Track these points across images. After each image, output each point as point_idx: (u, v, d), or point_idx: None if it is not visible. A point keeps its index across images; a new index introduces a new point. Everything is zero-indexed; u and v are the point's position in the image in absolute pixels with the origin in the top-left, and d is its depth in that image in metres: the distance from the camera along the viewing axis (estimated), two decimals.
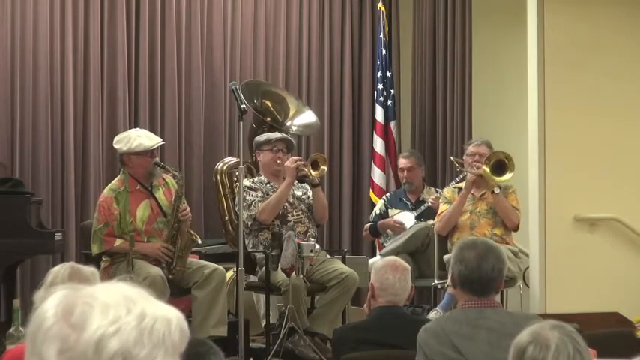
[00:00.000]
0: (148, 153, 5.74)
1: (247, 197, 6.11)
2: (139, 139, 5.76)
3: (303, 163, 6.10)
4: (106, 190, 5.84)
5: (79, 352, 1.17)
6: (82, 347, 1.17)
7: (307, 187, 6.28)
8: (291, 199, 6.18)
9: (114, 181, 5.85)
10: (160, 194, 5.82)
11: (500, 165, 6.14)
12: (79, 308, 1.19)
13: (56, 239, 6.43)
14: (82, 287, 1.24)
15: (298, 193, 6.24)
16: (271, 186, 6.20)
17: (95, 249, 5.68)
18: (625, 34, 6.51)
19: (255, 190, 6.16)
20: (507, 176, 6.12)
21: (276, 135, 6.34)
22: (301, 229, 6.09)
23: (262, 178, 6.27)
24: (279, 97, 7.24)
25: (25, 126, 7.26)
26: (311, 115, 7.26)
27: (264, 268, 5.91)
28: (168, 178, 5.94)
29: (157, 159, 5.85)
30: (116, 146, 5.80)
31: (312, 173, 6.06)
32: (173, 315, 1.25)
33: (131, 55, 7.66)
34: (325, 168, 6.15)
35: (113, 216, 5.66)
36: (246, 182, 6.18)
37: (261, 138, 6.32)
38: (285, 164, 6.09)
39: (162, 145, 6.01)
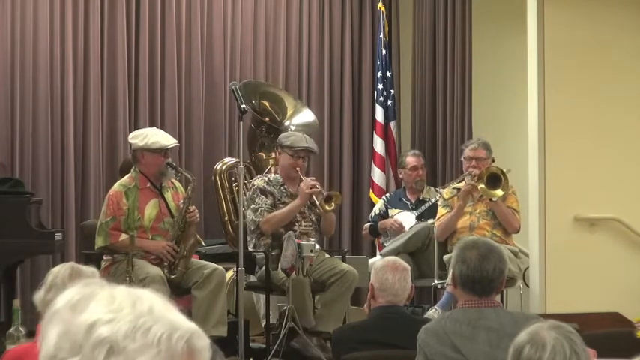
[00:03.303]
0: (162, 152, 5.77)
1: (257, 200, 6.08)
2: (156, 136, 5.80)
3: (318, 190, 6.03)
4: (116, 185, 5.87)
5: (73, 333, 1.19)
6: (75, 328, 1.19)
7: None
8: (303, 208, 6.13)
9: (124, 178, 5.87)
10: (168, 196, 5.85)
11: (495, 177, 6.15)
12: (87, 296, 1.21)
13: (56, 239, 6.44)
14: (105, 284, 1.25)
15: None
16: (285, 189, 6.14)
17: (100, 241, 5.69)
18: (626, 31, 6.51)
19: (266, 194, 6.11)
20: (499, 192, 6.12)
21: (302, 144, 6.11)
22: (303, 239, 6.01)
23: (278, 177, 6.21)
24: (276, 97, 7.24)
25: (25, 126, 7.26)
26: (309, 114, 7.26)
27: (263, 267, 5.91)
28: (177, 183, 6.00)
29: (170, 160, 5.88)
30: (132, 141, 5.83)
31: (325, 207, 6.02)
32: (185, 326, 1.21)
33: (131, 55, 7.66)
34: (338, 204, 6.18)
35: (122, 211, 5.68)
36: (261, 182, 6.16)
37: (286, 140, 6.16)
38: (301, 185, 6.00)
39: None
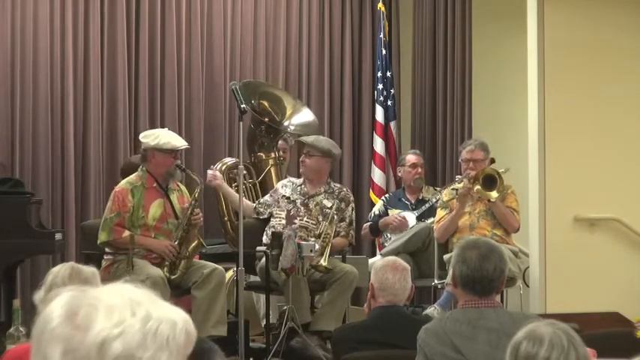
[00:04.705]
0: (173, 153, 5.80)
1: (267, 195, 6.33)
2: (168, 137, 5.85)
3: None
4: (123, 182, 5.90)
5: (82, 354, 1.17)
6: (86, 349, 1.17)
7: (344, 203, 6.25)
8: (311, 205, 6.17)
9: (132, 176, 5.90)
10: (174, 197, 5.88)
11: (491, 178, 6.16)
12: (84, 310, 1.20)
13: (56, 239, 6.44)
14: (89, 289, 1.24)
15: (327, 203, 6.22)
16: (301, 188, 6.25)
17: (103, 236, 5.71)
18: (626, 31, 6.51)
19: (275, 194, 6.28)
20: (494, 194, 6.13)
21: (303, 138, 6.40)
22: (302, 235, 6.04)
23: (301, 179, 6.36)
24: (276, 98, 7.23)
25: (25, 126, 7.26)
26: (309, 113, 7.25)
27: (262, 260, 5.93)
28: (182, 186, 6.05)
29: (179, 162, 5.91)
30: (143, 140, 5.86)
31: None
32: (179, 317, 1.24)
33: (131, 55, 7.66)
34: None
35: (127, 207, 5.71)
36: (281, 182, 6.38)
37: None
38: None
39: None
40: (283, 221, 6.10)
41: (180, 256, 5.74)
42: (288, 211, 6.16)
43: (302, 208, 6.17)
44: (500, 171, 6.35)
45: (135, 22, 7.69)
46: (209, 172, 6.52)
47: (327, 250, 5.90)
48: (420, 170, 7.07)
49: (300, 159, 6.34)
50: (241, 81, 7.28)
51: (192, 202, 5.84)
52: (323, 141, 6.37)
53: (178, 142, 5.88)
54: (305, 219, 6.13)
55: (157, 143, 5.76)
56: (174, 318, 1.23)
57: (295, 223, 6.08)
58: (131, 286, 1.26)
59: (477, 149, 6.38)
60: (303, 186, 6.26)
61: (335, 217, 6.15)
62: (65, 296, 1.23)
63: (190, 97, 7.89)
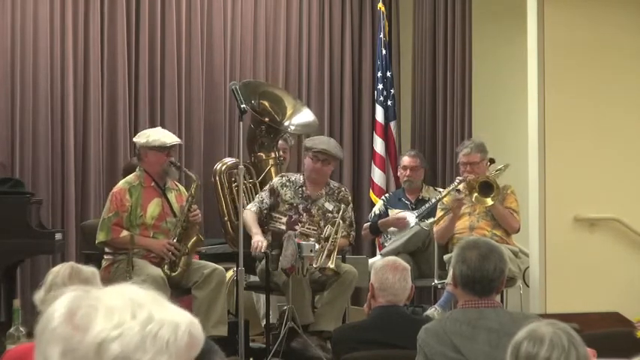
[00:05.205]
0: (165, 150, 5.82)
1: (263, 194, 6.15)
2: (158, 134, 5.88)
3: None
4: (121, 182, 5.93)
5: (80, 354, 1.17)
6: (84, 349, 1.17)
7: (344, 204, 6.19)
8: (314, 210, 6.14)
9: (130, 175, 5.93)
10: (172, 196, 5.89)
11: (487, 184, 6.17)
12: (84, 310, 1.20)
13: (56, 239, 6.44)
14: (92, 289, 1.24)
15: (329, 206, 6.19)
16: (302, 190, 6.16)
17: (101, 236, 5.72)
18: (626, 31, 6.51)
19: (274, 195, 6.13)
20: (489, 201, 6.15)
21: (320, 146, 6.16)
22: (302, 240, 6.00)
23: (300, 178, 6.22)
24: (276, 98, 7.23)
25: (25, 126, 7.26)
26: (309, 113, 7.25)
27: (262, 261, 5.92)
28: (181, 186, 6.06)
29: (174, 159, 5.92)
30: (135, 140, 5.93)
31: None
32: (182, 320, 1.23)
33: (131, 55, 7.66)
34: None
35: (125, 207, 5.73)
36: (278, 181, 6.20)
37: (309, 141, 6.30)
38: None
39: None
40: (283, 227, 6.07)
41: (180, 253, 5.75)
42: (290, 217, 6.13)
43: (304, 213, 6.12)
44: (499, 167, 6.37)
45: (135, 22, 7.69)
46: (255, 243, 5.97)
47: (334, 254, 5.87)
48: (409, 172, 7.06)
49: (315, 165, 6.12)
50: (241, 81, 7.28)
51: (190, 199, 5.84)
52: (335, 147, 6.26)
53: (168, 138, 5.89)
54: (307, 226, 6.09)
55: (146, 141, 5.80)
56: (177, 321, 1.22)
57: (296, 229, 6.03)
58: (136, 288, 1.25)
59: (472, 152, 6.38)
60: (304, 188, 6.20)
61: (339, 222, 6.11)
62: (68, 296, 1.23)
63: (190, 97, 7.89)
